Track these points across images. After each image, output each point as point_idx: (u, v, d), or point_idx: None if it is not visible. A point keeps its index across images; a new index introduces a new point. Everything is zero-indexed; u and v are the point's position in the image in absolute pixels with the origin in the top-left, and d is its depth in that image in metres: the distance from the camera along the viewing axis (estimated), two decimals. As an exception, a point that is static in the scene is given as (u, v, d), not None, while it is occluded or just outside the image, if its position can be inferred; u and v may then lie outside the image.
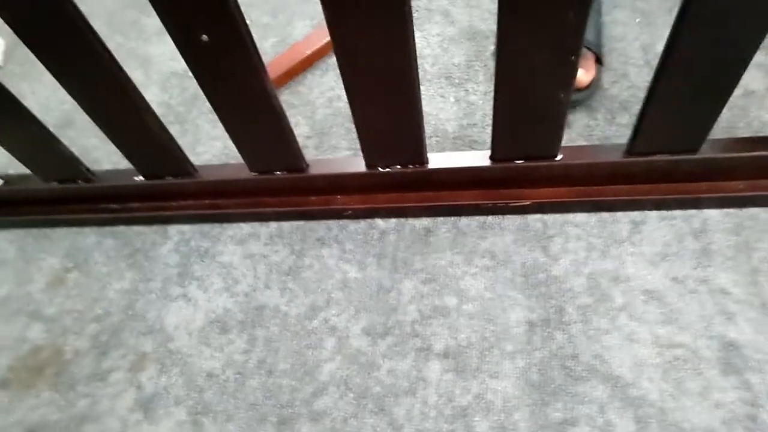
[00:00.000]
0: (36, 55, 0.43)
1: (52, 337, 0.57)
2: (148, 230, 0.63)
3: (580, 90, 0.61)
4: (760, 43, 0.37)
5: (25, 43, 0.42)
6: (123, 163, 0.70)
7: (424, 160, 0.52)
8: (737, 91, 0.61)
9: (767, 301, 0.47)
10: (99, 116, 0.50)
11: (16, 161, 0.58)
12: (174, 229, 0.63)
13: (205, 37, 0.39)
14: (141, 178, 0.59)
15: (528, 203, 0.54)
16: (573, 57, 0.38)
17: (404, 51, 0.39)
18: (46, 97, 0.82)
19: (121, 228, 0.64)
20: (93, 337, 0.56)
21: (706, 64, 0.39)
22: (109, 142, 0.74)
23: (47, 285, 0.61)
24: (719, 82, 0.41)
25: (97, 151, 0.73)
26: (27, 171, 0.60)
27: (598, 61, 0.62)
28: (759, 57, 0.63)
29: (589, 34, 0.62)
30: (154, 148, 0.53)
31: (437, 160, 0.53)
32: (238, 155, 0.57)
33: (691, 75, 0.40)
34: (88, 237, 0.64)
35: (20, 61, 0.90)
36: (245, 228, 0.61)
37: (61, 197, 0.63)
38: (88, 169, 0.59)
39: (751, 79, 0.62)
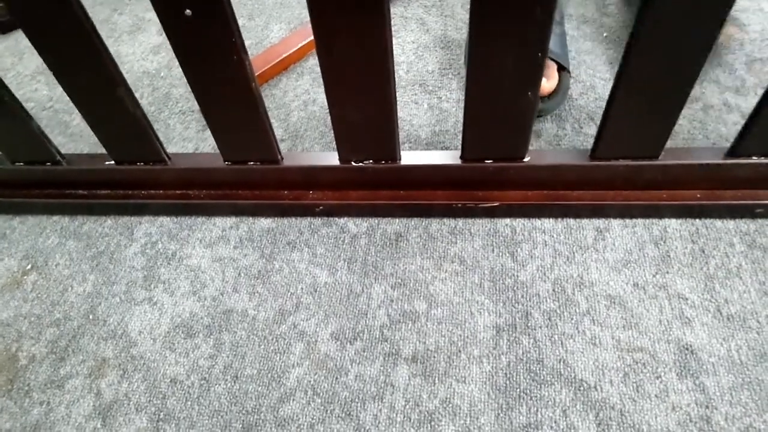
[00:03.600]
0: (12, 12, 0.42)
1: (5, 342, 0.55)
2: (113, 231, 0.62)
3: (543, 98, 0.62)
4: (703, 62, 0.40)
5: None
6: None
7: (396, 157, 0.53)
8: (697, 105, 0.64)
9: (721, 306, 0.48)
10: (69, 87, 0.48)
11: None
12: (141, 231, 0.61)
13: (188, 12, 0.39)
14: (112, 162, 0.57)
15: (497, 204, 0.55)
16: (540, 55, 0.39)
17: (382, 47, 0.40)
18: (8, 94, 0.80)
19: (86, 228, 0.62)
20: (51, 342, 0.54)
21: (657, 78, 0.41)
22: (75, 140, 0.72)
23: (2, 288, 0.59)
24: (671, 94, 0.42)
25: (63, 149, 0.70)
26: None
27: (562, 69, 0.64)
28: (716, 73, 0.67)
29: (551, 44, 0.64)
30: (128, 128, 0.52)
31: (409, 157, 0.54)
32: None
33: (645, 87, 0.42)
34: (50, 238, 0.62)
35: None
36: (214, 231, 0.60)
37: (26, 180, 0.60)
38: (58, 151, 0.57)
39: (709, 93, 0.65)
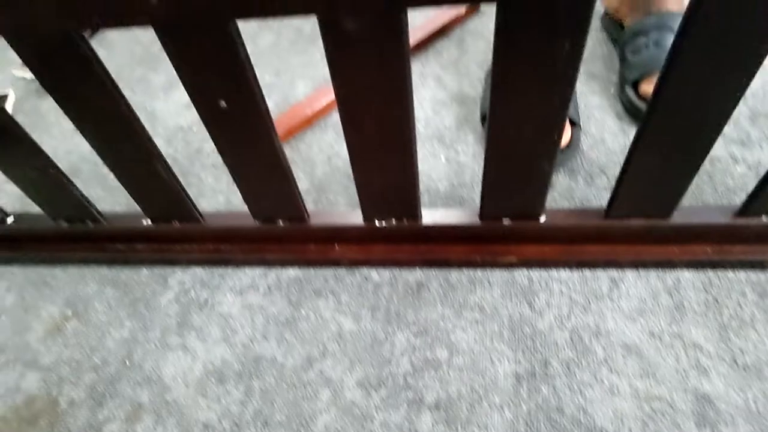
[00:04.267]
0: (56, 100, 0.46)
1: (47, 386, 0.58)
2: (149, 279, 0.65)
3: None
4: (720, 129, 0.42)
5: (47, 90, 0.45)
6: (128, 211, 0.73)
7: (417, 216, 0.56)
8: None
9: (737, 356, 0.50)
10: (112, 161, 0.53)
11: (25, 199, 0.60)
12: (174, 279, 0.65)
13: (223, 104, 0.43)
14: (148, 221, 0.61)
15: (515, 260, 0.58)
16: (557, 133, 0.43)
17: (403, 114, 0.43)
18: (53, 148, 0.86)
19: (123, 277, 0.66)
20: (89, 387, 0.57)
21: (674, 144, 0.44)
22: (114, 192, 0.77)
23: (45, 333, 0.62)
24: (686, 162, 0.45)
25: (102, 202, 0.75)
26: (37, 210, 0.62)
27: (573, 124, 0.68)
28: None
29: None
30: (163, 193, 0.56)
31: (430, 216, 0.57)
32: (240, 207, 0.60)
33: (660, 154, 0.44)
34: (89, 285, 0.66)
35: (28, 113, 0.94)
36: (244, 279, 0.63)
37: (68, 236, 0.65)
38: (98, 211, 0.62)
39: (716, 146, 0.67)
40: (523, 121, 0.42)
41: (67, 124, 0.90)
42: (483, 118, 0.74)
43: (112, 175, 0.77)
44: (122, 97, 0.46)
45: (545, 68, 0.37)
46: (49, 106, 0.95)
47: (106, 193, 0.77)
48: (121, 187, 0.56)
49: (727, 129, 0.69)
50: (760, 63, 0.37)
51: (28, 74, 1.00)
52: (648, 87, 0.70)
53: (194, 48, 0.39)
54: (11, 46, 0.41)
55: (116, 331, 0.61)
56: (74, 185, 0.58)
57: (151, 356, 0.58)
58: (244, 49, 0.40)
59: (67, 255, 0.66)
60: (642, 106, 0.71)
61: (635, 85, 0.72)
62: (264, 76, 0.90)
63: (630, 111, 0.73)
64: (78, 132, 0.49)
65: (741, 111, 0.71)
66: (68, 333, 0.62)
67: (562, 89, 0.39)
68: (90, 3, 0.36)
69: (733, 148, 0.67)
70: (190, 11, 0.36)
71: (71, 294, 0.65)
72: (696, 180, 0.64)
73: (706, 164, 0.66)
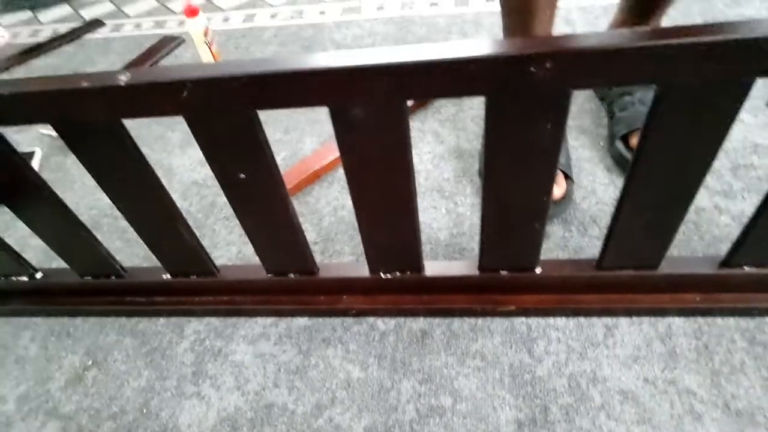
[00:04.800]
0: (85, 165, 0.50)
1: (67, 435, 0.60)
2: (166, 329, 0.68)
3: (553, 203, 0.70)
4: (696, 190, 0.46)
5: (77, 155, 0.49)
6: (143, 263, 0.77)
7: (420, 268, 0.60)
8: (690, 208, 0.70)
9: (729, 401, 0.52)
10: (137, 223, 0.57)
11: (50, 252, 0.64)
12: (190, 329, 0.68)
13: (242, 175, 0.48)
14: (168, 275, 0.65)
15: (513, 308, 0.61)
16: (545, 196, 0.47)
17: (405, 181, 0.48)
18: (75, 203, 0.91)
19: (141, 327, 0.69)
20: (108, 435, 0.59)
21: (656, 203, 0.48)
22: (131, 245, 0.81)
23: (66, 383, 0.65)
24: (668, 217, 0.49)
25: (121, 253, 0.80)
26: (62, 263, 0.66)
27: (567, 177, 0.73)
28: (705, 178, 0.74)
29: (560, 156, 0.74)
30: (183, 251, 0.60)
31: (432, 268, 0.61)
32: (252, 258, 0.63)
33: (645, 209, 0.48)
34: (109, 335, 0.69)
35: (53, 169, 1.00)
36: (256, 328, 0.66)
37: (92, 290, 0.69)
38: (122, 267, 0.66)
39: (700, 197, 0.72)
40: (514, 187, 0.47)
41: (89, 180, 0.96)
42: (480, 173, 0.79)
43: (130, 229, 0.82)
44: (151, 171, 0.50)
45: (531, 144, 0.42)
46: (72, 162, 1.01)
47: (125, 245, 0.82)
48: (138, 239, 0.60)
49: (711, 181, 0.73)
50: (730, 123, 0.41)
51: (53, 132, 1.07)
52: (636, 140, 0.75)
53: (218, 132, 0.44)
54: (55, 129, 0.47)
55: (134, 380, 0.64)
56: (101, 244, 0.63)
57: (167, 404, 0.61)
58: (263, 131, 0.45)
59: (89, 307, 0.70)
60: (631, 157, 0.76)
61: (624, 139, 0.77)
62: (275, 133, 0.96)
63: (620, 163, 0.78)
64: (98, 188, 0.54)
65: (723, 164, 0.75)
66: (88, 382, 0.64)
67: (547, 160, 0.43)
68: (131, 100, 0.41)
69: (717, 199, 0.71)
70: (215, 104, 0.41)
71: (91, 344, 0.69)
72: (683, 229, 0.68)
73: (693, 215, 0.69)
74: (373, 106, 0.39)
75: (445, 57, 0.36)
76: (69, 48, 1.43)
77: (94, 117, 0.43)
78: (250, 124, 0.43)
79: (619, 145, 0.77)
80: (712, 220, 0.69)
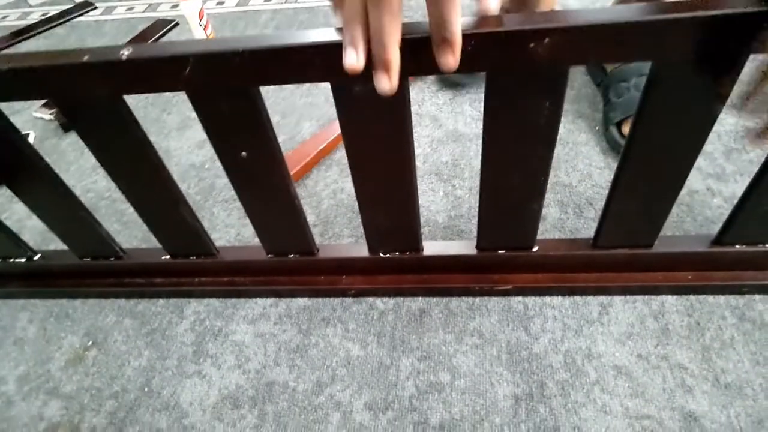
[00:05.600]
0: (86, 143, 0.50)
1: (69, 414, 0.60)
2: (165, 310, 0.69)
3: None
4: (688, 169, 0.47)
5: (78, 132, 0.49)
6: (142, 245, 0.77)
7: (419, 248, 0.61)
8: (683, 191, 0.71)
9: (719, 375, 0.53)
10: (138, 204, 0.57)
11: (47, 234, 0.64)
12: (190, 310, 0.68)
13: (244, 154, 0.48)
14: (167, 256, 0.65)
15: (510, 287, 0.62)
16: (543, 177, 0.48)
17: (405, 160, 0.48)
18: (72, 186, 0.90)
19: (140, 308, 0.69)
20: (110, 414, 0.60)
21: (650, 183, 0.48)
22: (129, 227, 0.81)
23: (66, 363, 0.65)
24: (661, 196, 0.50)
25: (119, 236, 0.80)
26: (60, 245, 0.66)
27: None
28: (698, 161, 0.75)
29: None
30: (183, 231, 0.60)
31: (431, 248, 0.61)
32: (251, 240, 0.64)
33: (639, 190, 0.49)
34: (108, 317, 0.69)
35: (48, 152, 0.99)
36: (256, 308, 0.67)
37: (91, 272, 0.69)
38: (121, 248, 0.66)
39: (693, 180, 0.73)
40: (512, 167, 0.47)
41: (84, 163, 0.95)
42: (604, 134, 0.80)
43: (128, 211, 0.82)
44: (153, 149, 0.50)
45: (529, 122, 0.42)
46: (66, 145, 1.00)
47: (123, 227, 0.82)
48: (137, 222, 0.60)
49: (704, 164, 0.75)
50: (724, 101, 0.41)
51: (47, 115, 1.06)
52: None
53: (220, 109, 0.44)
54: (56, 104, 0.46)
55: (135, 359, 0.64)
56: (100, 225, 0.63)
57: (168, 383, 0.61)
58: (265, 109, 0.45)
59: (88, 289, 0.70)
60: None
61: (619, 125, 0.78)
62: (272, 116, 0.95)
63: (614, 148, 0.79)
64: (95, 170, 0.53)
65: (716, 147, 0.76)
66: (89, 362, 0.65)
67: (545, 139, 0.44)
68: (133, 75, 0.41)
69: (710, 181, 0.72)
70: (217, 80, 0.41)
71: (91, 325, 0.69)
72: (677, 211, 0.69)
73: (686, 197, 0.71)
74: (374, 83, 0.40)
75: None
76: (60, 30, 1.41)
77: (95, 92, 0.43)
78: (252, 100, 0.43)
79: (614, 131, 0.78)
80: (704, 202, 0.70)
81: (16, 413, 0.61)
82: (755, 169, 0.48)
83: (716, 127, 0.80)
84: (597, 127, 0.83)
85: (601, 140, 0.81)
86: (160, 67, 0.41)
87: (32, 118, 1.06)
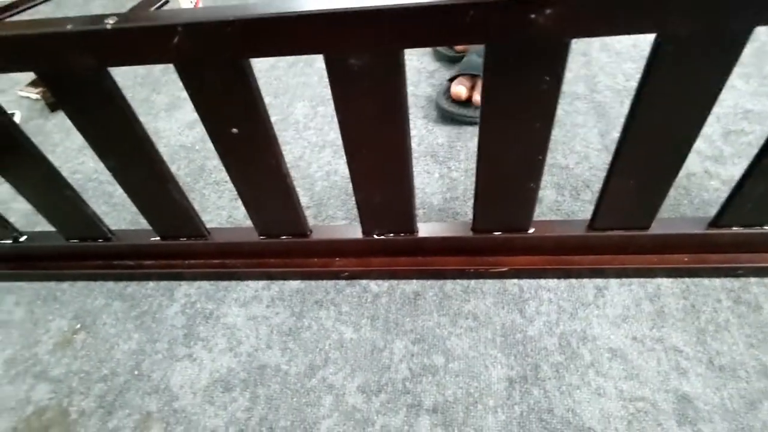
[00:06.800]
0: (71, 119, 0.48)
1: (58, 397, 0.59)
2: (155, 293, 0.68)
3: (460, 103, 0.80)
4: (687, 151, 0.46)
5: (63, 108, 0.47)
6: (131, 228, 0.76)
7: (413, 230, 0.60)
8: (681, 173, 0.71)
9: (713, 358, 0.53)
10: (127, 183, 0.56)
11: (32, 216, 0.62)
12: (180, 292, 0.67)
13: (235, 130, 0.47)
14: (157, 238, 0.64)
15: (506, 269, 0.61)
16: (540, 157, 0.46)
17: (400, 138, 0.47)
18: (58, 167, 0.88)
19: (130, 290, 0.68)
20: (99, 397, 0.59)
21: (647, 164, 0.48)
22: (117, 209, 0.80)
23: (54, 346, 0.64)
24: (659, 178, 0.49)
25: (107, 218, 0.78)
26: (47, 227, 0.65)
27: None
28: (697, 144, 0.74)
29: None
30: (172, 211, 0.59)
31: (425, 229, 0.60)
32: (243, 222, 0.62)
33: (635, 173, 0.49)
34: (97, 299, 0.68)
35: (33, 132, 0.96)
36: (248, 291, 0.66)
37: (79, 253, 0.67)
38: (109, 230, 0.64)
39: (691, 162, 0.72)
40: (509, 144, 0.46)
41: (71, 144, 0.93)
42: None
43: (116, 193, 0.80)
44: (140, 126, 0.49)
45: (529, 97, 0.41)
46: (53, 126, 0.98)
47: (111, 209, 0.80)
48: (125, 204, 0.59)
49: (702, 146, 0.74)
50: (725, 77, 0.40)
51: (33, 94, 1.03)
52: (456, 87, 0.81)
53: (210, 82, 0.42)
54: (39, 77, 0.45)
55: (124, 342, 0.63)
56: (87, 205, 0.61)
57: (159, 366, 0.60)
58: (255, 82, 0.43)
59: (76, 271, 0.69)
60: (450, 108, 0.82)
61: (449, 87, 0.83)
62: (264, 97, 0.93)
63: (443, 116, 0.84)
64: (81, 151, 0.52)
65: (714, 129, 0.76)
66: (77, 345, 0.64)
67: (545, 116, 0.43)
68: (119, 46, 0.39)
69: (708, 164, 0.71)
70: (207, 51, 0.39)
71: (79, 308, 0.67)
72: (674, 194, 0.68)
73: (683, 179, 0.70)
74: (368, 54, 0.38)
75: (445, 1, 0.34)
76: (45, 8, 1.37)
77: (79, 64, 0.41)
78: (242, 73, 0.41)
79: (441, 96, 0.83)
80: (702, 184, 0.69)
81: (2, 396, 0.60)
82: (754, 151, 0.48)
83: (715, 109, 0.79)
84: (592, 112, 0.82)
85: (599, 122, 0.80)
86: (146, 37, 0.39)
87: (17, 98, 1.03)
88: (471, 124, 0.82)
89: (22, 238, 0.68)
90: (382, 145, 0.48)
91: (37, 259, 0.70)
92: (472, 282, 0.63)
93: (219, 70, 0.41)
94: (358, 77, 0.41)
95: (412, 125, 0.86)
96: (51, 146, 0.93)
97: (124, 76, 1.07)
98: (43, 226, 0.64)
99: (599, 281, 0.61)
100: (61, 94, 0.45)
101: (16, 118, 0.98)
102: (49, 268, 0.69)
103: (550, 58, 0.39)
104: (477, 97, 0.80)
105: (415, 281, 0.64)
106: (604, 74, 0.89)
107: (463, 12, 0.34)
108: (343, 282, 0.65)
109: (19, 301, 0.69)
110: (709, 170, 0.71)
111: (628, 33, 0.36)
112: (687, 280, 0.60)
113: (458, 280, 0.63)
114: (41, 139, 0.95)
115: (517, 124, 0.44)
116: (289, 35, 0.38)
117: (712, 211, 0.56)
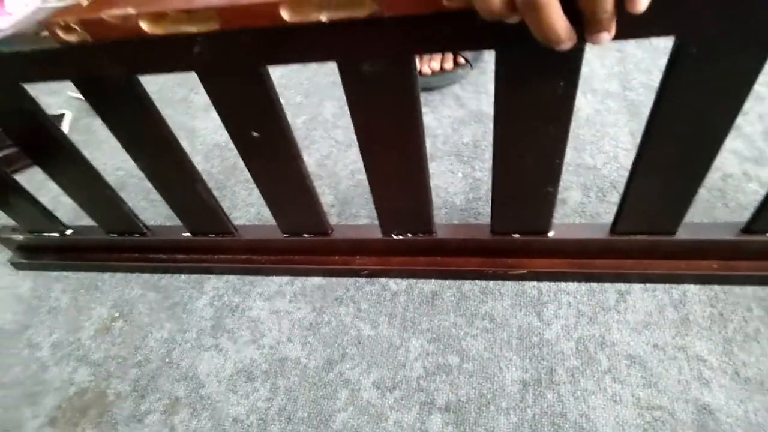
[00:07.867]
0: (106, 124, 0.52)
1: (97, 380, 0.64)
2: (187, 285, 0.71)
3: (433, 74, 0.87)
4: (717, 149, 0.44)
5: (98, 114, 0.51)
6: (167, 222, 0.80)
7: (432, 231, 0.60)
8: (716, 174, 0.68)
9: (739, 369, 0.51)
10: (158, 182, 0.59)
11: (79, 210, 0.67)
12: (209, 285, 0.70)
13: (255, 134, 0.49)
14: (188, 234, 0.67)
15: (525, 272, 0.61)
16: (557, 161, 0.46)
17: (415, 141, 0.48)
18: (103, 163, 0.94)
19: (164, 282, 0.72)
20: (133, 381, 0.63)
21: (674, 164, 0.46)
22: (155, 204, 0.84)
23: (95, 332, 0.69)
24: (686, 178, 0.47)
25: (146, 213, 0.83)
26: (92, 223, 0.70)
27: (467, 61, 0.90)
28: (735, 144, 0.71)
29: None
30: (202, 210, 0.62)
31: (444, 230, 0.61)
32: (270, 220, 0.65)
33: (660, 175, 0.47)
34: (134, 290, 0.72)
35: (82, 131, 1.03)
36: (272, 286, 0.69)
37: (118, 247, 0.72)
38: (145, 225, 0.68)
39: (729, 163, 0.69)
40: (525, 149, 0.46)
41: (115, 142, 0.98)
42: None
43: (154, 189, 0.85)
44: (169, 130, 0.52)
45: (542, 103, 0.41)
46: (99, 125, 1.04)
47: (149, 205, 0.85)
48: (162, 200, 0.62)
49: (741, 146, 0.70)
50: (753, 80, 0.38)
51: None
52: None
53: (230, 88, 0.44)
54: (77, 86, 0.48)
55: (157, 331, 0.67)
56: (125, 203, 0.65)
57: (188, 355, 0.64)
58: (273, 87, 0.45)
59: (116, 263, 0.74)
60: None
61: None
62: (295, 96, 0.96)
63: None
64: (124, 150, 0.56)
65: (755, 129, 0.72)
66: (115, 332, 0.68)
67: (559, 120, 0.42)
68: (144, 55, 0.42)
69: (747, 165, 0.68)
70: (227, 59, 0.41)
71: (118, 297, 0.72)
72: (708, 196, 0.66)
73: (719, 181, 0.67)
74: (380, 61, 0.39)
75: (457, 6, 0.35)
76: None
77: (107, 73, 0.44)
78: (260, 79, 0.43)
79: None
80: (739, 187, 0.66)
81: (49, 377, 0.65)
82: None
83: (757, 107, 0.75)
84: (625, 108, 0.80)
85: (630, 121, 0.78)
86: (169, 47, 0.41)
87: (69, 98, 1.10)
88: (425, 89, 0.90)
89: (68, 232, 0.73)
90: (397, 150, 0.48)
91: (81, 251, 0.75)
92: (491, 283, 0.63)
93: (238, 77, 0.43)
94: (371, 83, 0.42)
95: (437, 124, 0.86)
96: (98, 144, 0.99)
97: (164, 77, 1.12)
98: (88, 219, 0.69)
99: (621, 286, 0.59)
100: (94, 99, 0.48)
101: (67, 118, 1.04)
102: (91, 260, 0.74)
103: (564, 63, 0.39)
104: (426, 69, 0.90)
105: (433, 281, 0.65)
106: (638, 71, 0.86)
107: (473, 17, 0.34)
108: (362, 280, 0.66)
109: (66, 289, 0.75)
110: (748, 172, 0.67)
111: (647, 36, 0.35)
112: (716, 287, 0.57)
113: (476, 281, 0.63)
114: (89, 137, 1.01)
115: (531, 129, 0.44)
116: (303, 44, 0.39)
117: (748, 215, 0.54)
